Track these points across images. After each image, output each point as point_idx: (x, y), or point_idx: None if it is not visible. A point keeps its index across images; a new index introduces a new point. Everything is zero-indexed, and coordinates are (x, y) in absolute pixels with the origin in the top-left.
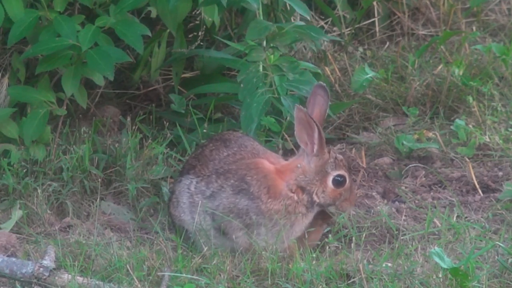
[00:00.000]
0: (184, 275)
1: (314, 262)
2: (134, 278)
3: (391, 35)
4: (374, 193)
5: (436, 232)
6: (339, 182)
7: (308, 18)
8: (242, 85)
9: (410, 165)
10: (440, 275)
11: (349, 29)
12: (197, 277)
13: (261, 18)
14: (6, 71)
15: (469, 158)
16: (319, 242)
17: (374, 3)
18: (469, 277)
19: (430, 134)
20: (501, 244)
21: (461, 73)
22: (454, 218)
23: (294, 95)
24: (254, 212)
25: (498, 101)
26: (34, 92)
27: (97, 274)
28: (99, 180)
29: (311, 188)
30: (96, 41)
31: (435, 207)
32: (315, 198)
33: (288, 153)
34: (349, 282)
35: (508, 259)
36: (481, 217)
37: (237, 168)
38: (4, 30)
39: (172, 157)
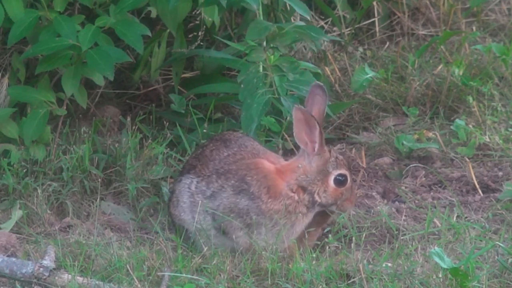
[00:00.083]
0: (184, 275)
1: (314, 262)
2: (134, 278)
3: (391, 35)
4: (374, 193)
5: (436, 232)
6: (340, 181)
7: (308, 18)
8: (242, 85)
9: (410, 165)
10: (440, 275)
11: (349, 29)
12: (197, 277)
13: (261, 18)
14: (6, 71)
15: (469, 158)
16: (318, 242)
17: (374, 3)
18: (469, 277)
19: (430, 134)
20: (501, 244)
21: (461, 73)
22: (454, 218)
23: (294, 95)
24: (255, 212)
25: (498, 101)
26: (34, 92)
27: (97, 274)
28: (99, 180)
29: (313, 187)
30: (96, 41)
31: (435, 207)
32: (316, 198)
33: (288, 153)
34: (349, 282)
35: (508, 259)
36: (481, 217)
37: (238, 168)
38: (4, 30)
39: (172, 157)
